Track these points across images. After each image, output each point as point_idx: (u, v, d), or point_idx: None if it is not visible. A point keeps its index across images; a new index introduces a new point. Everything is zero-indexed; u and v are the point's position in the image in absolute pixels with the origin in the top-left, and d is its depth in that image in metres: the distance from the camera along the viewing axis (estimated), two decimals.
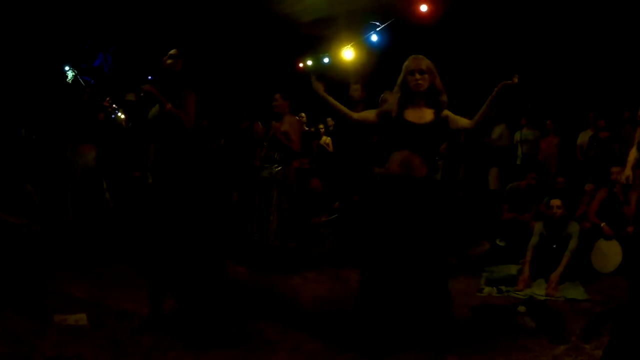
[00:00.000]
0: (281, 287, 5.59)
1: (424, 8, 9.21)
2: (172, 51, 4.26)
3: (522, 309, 4.49)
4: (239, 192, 7.40)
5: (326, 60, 12.36)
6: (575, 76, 10.26)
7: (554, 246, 5.76)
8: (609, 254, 6.10)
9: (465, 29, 10.09)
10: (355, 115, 4.12)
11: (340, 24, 10.31)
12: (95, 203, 7.05)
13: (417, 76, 3.88)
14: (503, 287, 5.50)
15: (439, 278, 3.87)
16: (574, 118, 9.74)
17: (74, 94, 10.36)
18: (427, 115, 3.92)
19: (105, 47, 12.99)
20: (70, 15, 10.06)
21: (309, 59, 12.74)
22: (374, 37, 10.70)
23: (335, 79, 7.50)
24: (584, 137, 9.16)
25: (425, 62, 3.93)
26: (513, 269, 5.97)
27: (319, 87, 3.98)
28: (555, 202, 5.82)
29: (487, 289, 5.50)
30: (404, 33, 9.78)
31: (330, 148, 10.41)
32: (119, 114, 12.56)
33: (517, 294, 5.33)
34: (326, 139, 10.83)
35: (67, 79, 12.19)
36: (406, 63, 3.97)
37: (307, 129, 10.94)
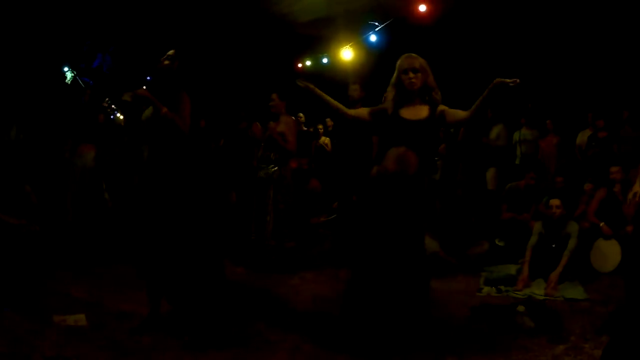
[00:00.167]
0: (280, 287, 5.59)
1: (422, 8, 9.22)
2: (170, 52, 4.26)
3: (521, 308, 4.49)
4: (237, 193, 7.40)
5: (325, 60, 12.38)
6: (574, 76, 10.25)
7: (553, 246, 5.76)
8: (608, 253, 6.10)
9: (465, 29, 10.10)
10: (351, 111, 4.15)
11: (339, 24, 10.32)
12: (94, 203, 7.04)
13: (411, 75, 3.90)
14: (502, 287, 5.50)
15: (418, 278, 3.87)
16: (573, 118, 9.74)
17: (74, 94, 10.38)
18: (423, 111, 3.94)
19: (104, 48, 12.98)
20: (69, 15, 10.06)
21: (308, 59, 12.75)
22: (373, 37, 10.72)
23: (334, 79, 7.51)
24: (582, 137, 9.15)
25: (418, 61, 3.95)
26: (512, 269, 5.98)
27: (311, 86, 3.99)
28: (555, 201, 5.82)
29: (486, 289, 5.51)
30: (403, 33, 9.78)
31: (329, 148, 10.40)
32: (118, 114, 12.57)
33: (517, 294, 5.33)
34: (325, 139, 10.83)
35: (66, 80, 12.19)
36: (399, 62, 3.99)
37: (305, 129, 10.94)
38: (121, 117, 12.63)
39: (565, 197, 6.08)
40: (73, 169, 7.01)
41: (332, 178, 8.03)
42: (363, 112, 4.13)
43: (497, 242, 6.88)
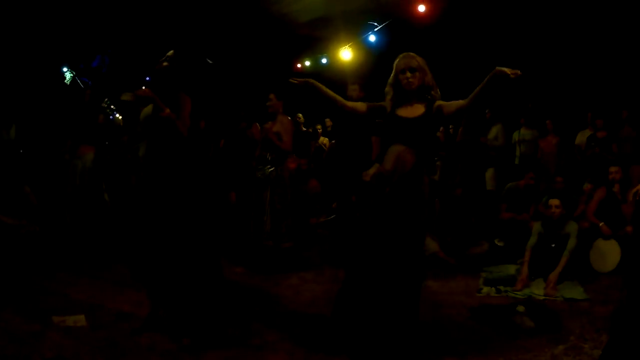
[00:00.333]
0: (279, 287, 5.59)
1: (421, 8, 9.23)
2: (169, 53, 4.25)
3: (520, 308, 4.49)
4: (237, 193, 7.40)
5: (324, 60, 12.39)
6: (574, 76, 10.26)
7: (553, 246, 5.76)
8: (608, 253, 6.10)
9: (464, 29, 10.10)
10: (349, 103, 4.13)
11: (338, 24, 10.32)
12: (93, 204, 7.04)
13: (408, 74, 3.89)
14: (502, 287, 5.50)
15: (412, 281, 3.82)
16: (572, 118, 9.75)
17: (73, 95, 10.36)
18: (419, 110, 3.92)
19: (103, 48, 12.97)
20: (69, 15, 10.05)
21: (307, 59, 12.75)
22: (372, 38, 10.72)
23: (333, 79, 7.49)
24: (582, 137, 9.16)
25: (415, 60, 3.93)
26: (512, 269, 5.98)
27: (310, 81, 3.99)
28: (554, 201, 5.82)
29: (485, 289, 5.51)
30: (402, 33, 9.78)
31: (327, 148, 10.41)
32: (117, 115, 12.56)
33: (516, 294, 5.33)
34: (324, 140, 10.84)
35: (65, 80, 12.17)
36: (397, 61, 3.97)
37: (304, 129, 10.95)
38: (120, 117, 12.64)
39: (564, 197, 6.08)
40: (72, 169, 7.01)
41: (328, 178, 8.03)
42: (361, 105, 4.11)
43: (496, 242, 6.88)
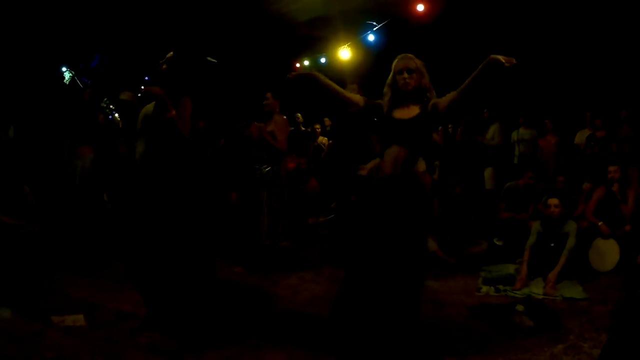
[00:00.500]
0: (279, 287, 5.59)
1: (420, 8, 9.24)
2: (169, 54, 4.23)
3: (520, 308, 4.49)
4: (237, 193, 7.40)
5: (323, 60, 12.38)
6: (573, 76, 10.27)
7: (552, 245, 5.76)
8: (607, 252, 6.10)
9: (463, 29, 10.10)
10: (347, 93, 4.12)
11: (337, 24, 10.32)
12: (93, 204, 7.03)
13: (405, 75, 3.88)
14: (501, 287, 5.50)
15: (413, 281, 3.80)
16: (571, 117, 9.75)
17: (72, 94, 10.35)
18: (415, 110, 3.91)
19: (102, 47, 12.97)
20: (68, 15, 10.05)
21: (306, 59, 12.75)
22: (371, 37, 10.73)
23: (332, 79, 7.48)
24: (581, 137, 9.16)
25: (413, 62, 3.92)
26: (511, 268, 5.99)
27: (308, 72, 4.00)
28: (553, 201, 5.82)
29: (485, 288, 5.51)
30: (401, 33, 9.79)
31: (326, 148, 10.41)
32: (116, 115, 12.54)
33: (515, 293, 5.33)
34: (322, 139, 10.84)
35: (65, 80, 12.17)
36: (395, 62, 3.97)
37: (303, 129, 10.95)
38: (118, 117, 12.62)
39: (564, 196, 6.08)
40: (72, 169, 7.00)
41: (327, 178, 8.03)
42: (359, 99, 4.10)
43: (495, 242, 6.88)
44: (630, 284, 4.67)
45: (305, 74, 4.00)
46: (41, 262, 6.04)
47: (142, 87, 9.68)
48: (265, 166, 6.25)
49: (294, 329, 4.35)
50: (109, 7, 9.83)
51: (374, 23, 10.53)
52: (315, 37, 11.51)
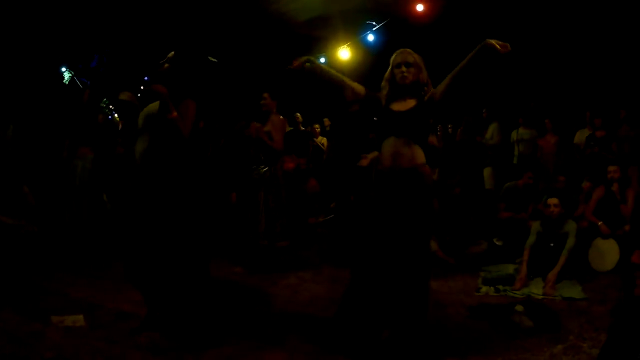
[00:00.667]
0: (278, 287, 5.59)
1: (420, 7, 9.24)
2: (170, 54, 4.22)
3: (519, 308, 4.49)
4: (237, 193, 7.40)
5: (322, 59, 12.36)
6: (572, 75, 10.27)
7: (551, 245, 5.76)
8: (606, 252, 6.10)
9: (462, 28, 10.09)
10: (349, 81, 4.13)
11: (337, 24, 10.31)
12: (93, 204, 7.03)
13: (403, 69, 3.91)
14: (500, 287, 5.51)
15: (420, 280, 3.82)
16: (571, 117, 9.76)
17: (72, 95, 10.34)
18: (412, 103, 3.93)
19: (101, 47, 12.96)
20: (67, 15, 10.04)
21: (306, 59, 12.71)
22: (370, 37, 10.72)
23: None
24: (581, 136, 9.17)
25: (412, 56, 3.96)
26: (510, 268, 5.99)
27: (309, 61, 4.02)
28: (553, 200, 5.82)
29: (484, 288, 5.51)
30: (400, 32, 9.78)
31: (326, 148, 10.40)
32: (116, 115, 12.53)
33: (515, 293, 5.33)
34: (322, 139, 10.83)
35: (64, 80, 12.15)
36: (393, 56, 4.01)
37: (303, 129, 10.94)
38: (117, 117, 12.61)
39: (563, 196, 6.08)
40: (72, 169, 7.00)
41: (327, 178, 8.03)
42: (361, 88, 4.12)
43: (495, 242, 6.88)
44: (627, 283, 4.66)
45: (305, 60, 4.02)
46: (41, 262, 6.04)
47: (144, 87, 9.68)
48: (262, 166, 6.25)
49: (294, 329, 4.35)
50: (109, 8, 9.82)
51: (374, 23, 10.52)
52: (315, 37, 11.50)
